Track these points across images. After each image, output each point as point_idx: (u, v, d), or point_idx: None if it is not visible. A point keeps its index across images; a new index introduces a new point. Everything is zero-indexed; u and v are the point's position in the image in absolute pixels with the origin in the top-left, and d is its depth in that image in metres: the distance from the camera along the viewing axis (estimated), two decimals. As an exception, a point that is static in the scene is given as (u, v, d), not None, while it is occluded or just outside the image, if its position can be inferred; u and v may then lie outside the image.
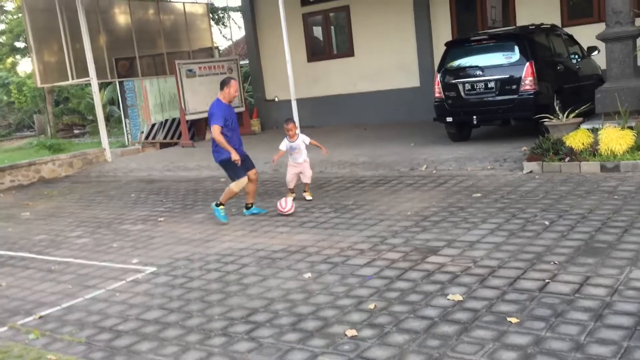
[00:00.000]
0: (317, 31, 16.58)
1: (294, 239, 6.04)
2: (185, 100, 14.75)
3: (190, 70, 15.00)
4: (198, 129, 15.83)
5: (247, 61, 19.20)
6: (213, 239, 6.38)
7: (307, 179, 7.72)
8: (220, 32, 28.57)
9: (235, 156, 6.67)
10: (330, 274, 4.88)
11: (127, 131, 16.37)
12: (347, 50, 15.68)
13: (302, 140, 7.59)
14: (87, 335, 4.20)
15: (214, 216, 7.05)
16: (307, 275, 4.90)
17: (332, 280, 4.72)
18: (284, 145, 7.60)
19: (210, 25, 18.88)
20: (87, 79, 14.31)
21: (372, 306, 4.11)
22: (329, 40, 16.40)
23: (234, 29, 31.53)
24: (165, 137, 16.05)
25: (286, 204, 7.07)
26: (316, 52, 16.25)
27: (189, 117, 14.98)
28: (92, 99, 15.63)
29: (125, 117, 16.41)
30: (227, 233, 6.57)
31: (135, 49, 16.06)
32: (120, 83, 16.15)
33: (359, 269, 4.91)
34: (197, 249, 6.05)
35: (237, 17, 25.51)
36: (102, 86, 22.11)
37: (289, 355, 3.55)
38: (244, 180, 6.93)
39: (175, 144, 15.76)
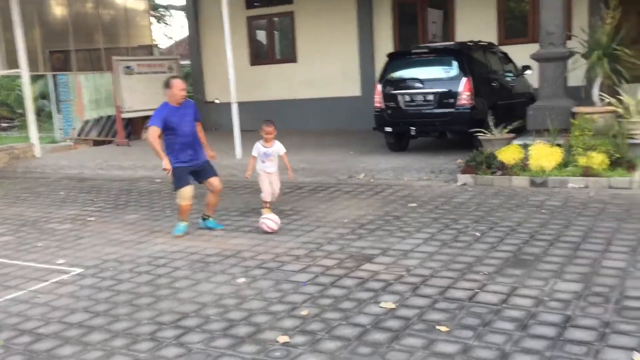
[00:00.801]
0: (261, 35, 16.51)
1: (229, 243, 5.96)
2: (122, 98, 14.36)
3: (128, 67, 14.61)
4: (134, 127, 15.42)
5: (188, 61, 18.90)
6: (145, 241, 6.20)
7: (277, 194, 6.92)
8: (162, 31, 27.97)
9: (165, 165, 5.98)
10: (264, 279, 4.83)
11: (58, 127, 15.75)
12: (290, 56, 15.69)
13: (279, 148, 6.82)
14: (5, 338, 3.98)
15: (174, 231, 6.37)
16: (241, 280, 4.84)
17: (266, 286, 4.67)
18: (257, 150, 6.78)
19: (150, 23, 18.49)
20: (18, 70, 13.69)
21: (305, 312, 4.09)
22: (273, 44, 16.36)
23: (177, 28, 31.01)
24: (99, 135, 15.56)
25: (273, 222, 6.20)
26: (259, 56, 16.18)
27: (125, 115, 14.58)
28: (22, 92, 14.97)
29: (57, 112, 15.79)
30: (160, 235, 6.40)
31: (71, 42, 15.52)
32: (54, 77, 15.54)
33: (293, 275, 4.88)
34: (128, 250, 5.87)
35: (181, 16, 25.10)
36: (34, 79, 21.23)
37: (219, 361, 3.48)
38: (185, 192, 6.17)
39: (110, 142, 15.29)
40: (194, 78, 17.35)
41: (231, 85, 11.17)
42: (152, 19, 23.09)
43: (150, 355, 3.60)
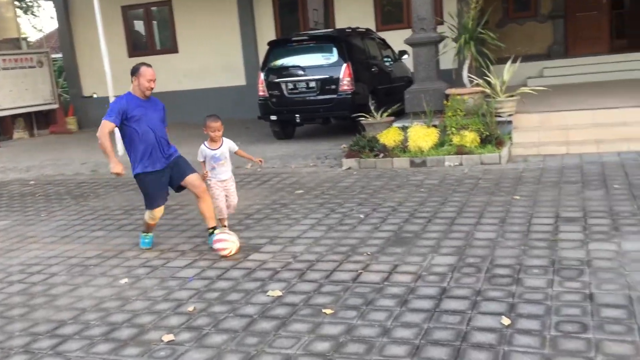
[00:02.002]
0: (139, 25, 15.91)
1: (110, 243, 5.72)
2: (-13, 96, 13.32)
3: (-8, 63, 13.55)
4: (4, 127, 14.36)
5: (61, 55, 17.84)
6: (17, 248, 5.81)
7: (233, 206, 5.59)
8: (30, 22, 26.14)
9: (113, 168, 4.92)
10: (148, 278, 4.69)
11: None
12: (170, 47, 15.27)
13: (229, 147, 5.46)
14: None
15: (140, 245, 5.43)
16: (124, 281, 4.66)
17: (150, 285, 4.53)
18: (202, 155, 5.42)
19: (16, 14, 17.22)
20: None
21: (191, 309, 4.01)
22: (152, 35, 15.83)
23: (46, 20, 29.15)
24: (-37, 137, 14.34)
25: (227, 244, 4.95)
26: (138, 47, 15.59)
27: (-8, 114, 13.54)
28: None
29: None
30: (35, 241, 6.03)
31: None
32: None
33: (179, 271, 4.78)
34: (-2, 259, 5.47)
35: (50, 6, 23.59)
36: None
37: (100, 367, 3.34)
38: (158, 213, 5.20)
39: (-23, 144, 14.16)
40: (68, 72, 16.44)
41: (108, 79, 10.69)
42: (18, 11, 21.55)
43: (24, 369, 3.39)
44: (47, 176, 9.67)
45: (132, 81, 5.04)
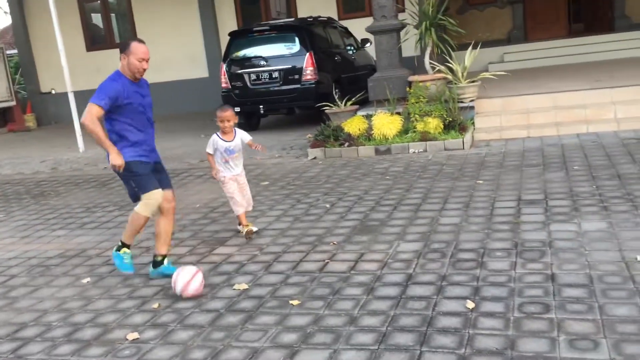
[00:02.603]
0: (97, 18, 15.57)
1: (72, 242, 5.59)
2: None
3: (-58, 60, 13.11)
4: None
5: (16, 50, 17.35)
6: (-24, 250, 5.64)
7: (249, 202, 5.28)
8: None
9: (115, 159, 4.10)
10: (112, 276, 4.60)
11: None
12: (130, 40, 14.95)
13: (243, 137, 5.14)
14: None
15: (114, 265, 4.45)
16: (86, 280, 4.57)
17: (114, 283, 4.45)
18: (213, 147, 5.03)
19: (-33, 9, 16.67)
20: None
21: (156, 305, 3.95)
22: (110, 28, 15.50)
23: (0, 15, 28.24)
24: None
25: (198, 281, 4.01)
26: (96, 40, 15.27)
27: (-55, 114, 13.11)
28: None
29: None
30: (-7, 242, 5.86)
31: None
32: None
33: (143, 268, 4.69)
34: (-46, 263, 5.30)
35: (3, 1, 22.89)
36: None
37: (63, 369, 3.27)
38: (157, 196, 4.27)
39: None
40: (24, 68, 16.01)
41: (65, 74, 10.43)
42: (-30, 5, 20.86)
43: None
44: (5, 175, 9.41)
45: (120, 59, 4.21)
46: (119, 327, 3.70)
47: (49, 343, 3.58)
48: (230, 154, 5.05)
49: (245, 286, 4.11)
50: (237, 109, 10.22)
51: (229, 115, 4.99)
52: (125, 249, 4.43)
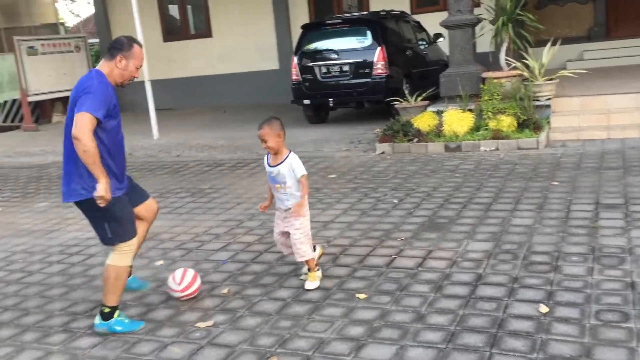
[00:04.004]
0: (173, 10, 15.99)
1: (146, 225, 5.79)
2: (27, 80, 13.59)
3: (31, 47, 13.83)
4: (43, 110, 14.67)
5: (97, 39, 18.08)
6: (57, 229, 5.94)
7: (292, 248, 3.97)
8: (67, 8, 26.56)
9: (105, 191, 3.30)
10: (183, 260, 4.74)
11: (-41, 114, 14.76)
12: (205, 31, 15.31)
13: (292, 166, 3.86)
14: None
15: (107, 332, 3.55)
16: (159, 262, 4.73)
17: (184, 267, 4.57)
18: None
19: (54, 0, 17.49)
20: None
21: (225, 291, 4.04)
22: (186, 19, 15.89)
23: (83, 5, 29.54)
24: (4, 121, 14.68)
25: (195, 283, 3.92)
26: (172, 31, 15.69)
27: (31, 99, 13.83)
28: None
29: (-44, 98, 14.78)
30: (74, 222, 6.13)
31: (-34, 23, 14.49)
32: (-50, 60, 14.50)
33: (213, 254, 4.82)
34: (38, 240, 5.60)
35: (86, -9, 23.91)
36: None
37: (136, 347, 3.40)
38: (134, 243, 3.64)
39: (17, 127, 14.49)
40: (105, 57, 16.65)
41: (143, 63, 10.76)
42: (56, -4, 21.87)
43: (64, 347, 3.47)
44: (85, 159, 9.86)
45: (109, 59, 3.47)
46: (190, 310, 3.81)
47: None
48: (272, 182, 3.95)
49: (312, 277, 4.14)
50: (307, 102, 10.32)
51: (264, 133, 3.78)
52: (117, 313, 3.55)
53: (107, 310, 3.50)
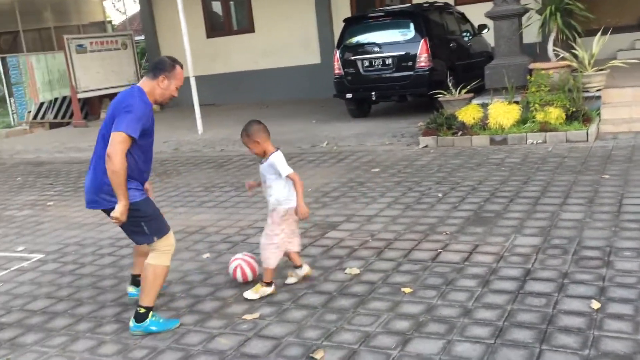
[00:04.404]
0: (216, 6, 16.16)
1: (192, 219, 5.90)
2: (76, 77, 13.96)
3: (80, 46, 14.19)
4: (91, 107, 15.06)
5: (143, 37, 18.43)
6: (107, 223, 6.06)
7: (263, 258, 3.93)
8: (114, 6, 27.17)
9: (123, 213, 3.38)
10: (229, 253, 4.79)
11: (12, 111, 15.27)
12: (247, 26, 15.42)
13: (272, 166, 3.82)
14: (-35, 331, 3.89)
15: (143, 333, 3.55)
16: (206, 255, 4.81)
17: (231, 260, 4.64)
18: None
19: (101, -2, 17.91)
20: (-35, 54, 13.18)
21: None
22: (229, 15, 16.04)
23: (129, 3, 30.13)
24: (55, 117, 15.14)
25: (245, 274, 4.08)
26: (216, 27, 15.86)
27: (80, 95, 14.21)
28: (-28, 76, 14.45)
29: (9, 96, 15.28)
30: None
31: (19, 23, 14.97)
32: (3, 59, 15.00)
33: (258, 247, 4.84)
34: (89, 233, 5.76)
35: (132, -10, 24.38)
36: (-17, 62, 20.48)
37: (185, 338, 3.47)
38: (172, 236, 3.70)
39: (67, 123, 14.92)
40: (150, 54, 16.96)
41: (188, 59, 10.94)
42: (103, -5, 22.38)
43: (116, 337, 3.57)
44: (132, 154, 10.08)
45: (152, 78, 3.54)
46: (237, 302, 3.86)
47: (173, 312, 3.81)
48: (263, 179, 3.90)
49: (356, 271, 4.15)
50: (349, 95, 10.29)
51: (244, 142, 3.87)
52: (151, 313, 3.56)
53: (142, 310, 3.53)
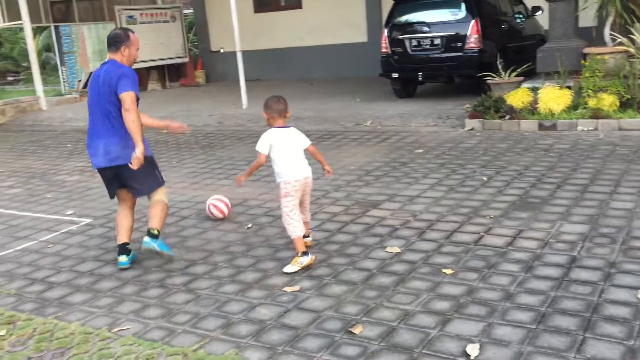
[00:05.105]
0: (265, -19, 16.13)
1: (235, 192, 5.96)
2: (126, 49, 14.18)
3: (130, 17, 14.39)
4: (139, 78, 15.30)
5: (192, 10, 18.56)
6: (152, 191, 6.22)
7: (306, 210, 4.26)
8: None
9: (140, 153, 3.99)
10: (271, 226, 4.85)
11: (63, 79, 15.64)
12: (295, 3, 15.34)
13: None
14: (17, 287, 4.06)
15: (155, 251, 4.16)
16: (248, 227, 4.87)
17: (272, 233, 4.70)
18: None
19: (153, -30, 18.05)
20: (20, 22, 13.52)
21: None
22: (277, -10, 16.00)
23: (179, -24, 30.17)
24: (104, 87, 15.43)
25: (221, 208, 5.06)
26: (263, 2, 15.83)
27: (129, 66, 14.44)
28: (26, 44, 14.83)
29: (61, 65, 15.65)
30: (168, 186, 6.33)
31: (72, -8, 15.25)
32: (56, 28, 15.34)
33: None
34: (138, 201, 5.88)
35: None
36: (37, 31, 21.00)
37: (227, 306, 3.53)
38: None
39: (115, 93, 15.20)
40: (198, 27, 17.09)
41: (235, 34, 10.97)
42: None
43: (160, 302, 3.66)
44: (178, 126, 10.23)
45: (115, 51, 4.16)
46: (277, 274, 3.91)
47: (215, 281, 3.89)
48: None
49: (397, 250, 4.14)
50: (395, 75, 10.18)
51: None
52: (160, 236, 4.26)
53: (155, 232, 4.22)
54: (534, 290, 3.39)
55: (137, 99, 4.09)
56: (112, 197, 4.50)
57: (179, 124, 5.06)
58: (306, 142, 4.17)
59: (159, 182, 4.39)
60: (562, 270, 3.61)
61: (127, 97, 4.01)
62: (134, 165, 4.01)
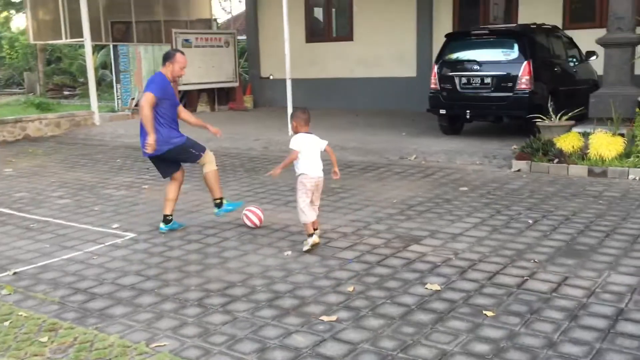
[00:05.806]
0: (318, 12, 16.44)
1: (277, 217, 6.01)
2: (180, 70, 14.59)
3: (186, 40, 14.83)
4: (189, 99, 15.68)
5: (244, 36, 19.01)
6: (196, 211, 6.33)
7: (316, 207, 5.13)
8: (220, 5, 28.18)
9: (152, 141, 5.17)
10: (311, 254, 4.86)
11: (117, 96, 16.16)
12: (346, 34, 15.57)
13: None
14: (60, 295, 4.15)
15: (229, 211, 5.77)
16: (287, 253, 4.88)
17: (312, 261, 4.70)
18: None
19: (210, -3, 18.64)
20: (81, 39, 14.09)
21: (350, 289, 4.10)
22: (329, 22, 16.27)
23: (234, 3, 31.11)
24: (156, 106, 15.87)
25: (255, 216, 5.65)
26: (315, 33, 16.12)
27: (181, 88, 14.81)
28: (85, 61, 15.42)
29: (116, 82, 16.19)
30: (211, 206, 6.49)
31: (133, 14, 15.85)
32: (115, 47, 15.92)
33: (340, 252, 4.89)
34: (179, 219, 5.98)
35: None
36: (96, 49, 21.81)
37: (263, 330, 3.53)
38: (208, 150, 5.75)
39: (166, 113, 15.60)
40: (250, 53, 17.47)
41: (287, 62, 11.18)
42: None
43: (197, 320, 3.69)
44: (224, 148, 10.38)
45: (163, 65, 5.38)
46: (315, 302, 3.90)
47: (253, 304, 3.90)
48: None
49: (437, 287, 4.09)
50: (443, 111, 10.16)
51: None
52: (224, 200, 5.73)
53: (218, 201, 5.65)
54: (578, 341, 3.29)
55: (158, 99, 5.19)
56: (164, 177, 5.78)
57: (216, 129, 5.96)
58: (324, 144, 5.03)
59: (198, 155, 5.59)
60: (608, 322, 3.49)
61: (143, 96, 5.18)
62: (148, 150, 5.21)
